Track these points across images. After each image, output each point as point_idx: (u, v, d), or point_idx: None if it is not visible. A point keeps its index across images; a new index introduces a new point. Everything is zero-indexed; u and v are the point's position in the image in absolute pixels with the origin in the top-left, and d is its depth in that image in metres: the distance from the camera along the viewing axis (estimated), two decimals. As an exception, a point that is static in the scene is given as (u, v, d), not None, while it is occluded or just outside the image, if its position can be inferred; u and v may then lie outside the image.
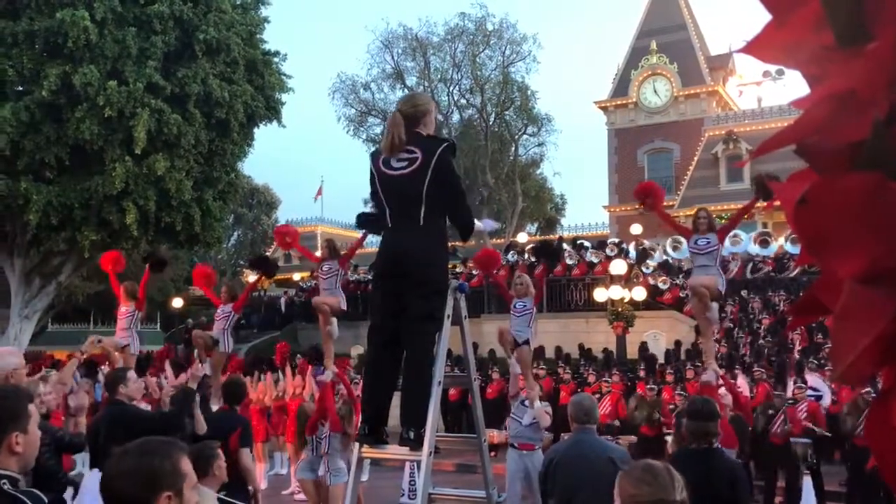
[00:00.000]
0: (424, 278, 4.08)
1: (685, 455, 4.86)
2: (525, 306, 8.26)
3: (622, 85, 38.44)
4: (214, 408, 8.05)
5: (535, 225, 47.70)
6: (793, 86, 36.07)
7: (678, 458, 5.06)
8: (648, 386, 13.22)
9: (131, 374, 5.93)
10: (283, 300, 34.68)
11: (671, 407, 12.41)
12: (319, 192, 46.78)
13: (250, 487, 6.27)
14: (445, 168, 4.07)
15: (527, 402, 8.23)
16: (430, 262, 4.13)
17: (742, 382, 12.99)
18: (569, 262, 22.82)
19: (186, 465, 2.02)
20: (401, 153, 4.07)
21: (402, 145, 4.05)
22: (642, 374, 15.31)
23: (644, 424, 12.32)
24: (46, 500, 2.46)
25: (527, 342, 8.19)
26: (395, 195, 4.11)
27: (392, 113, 4.21)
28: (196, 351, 10.98)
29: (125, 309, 9.68)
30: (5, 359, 4.44)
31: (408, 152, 4.05)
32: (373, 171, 4.20)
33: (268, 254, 10.13)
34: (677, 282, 21.70)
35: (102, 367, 11.73)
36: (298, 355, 23.51)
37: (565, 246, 24.32)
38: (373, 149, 4.67)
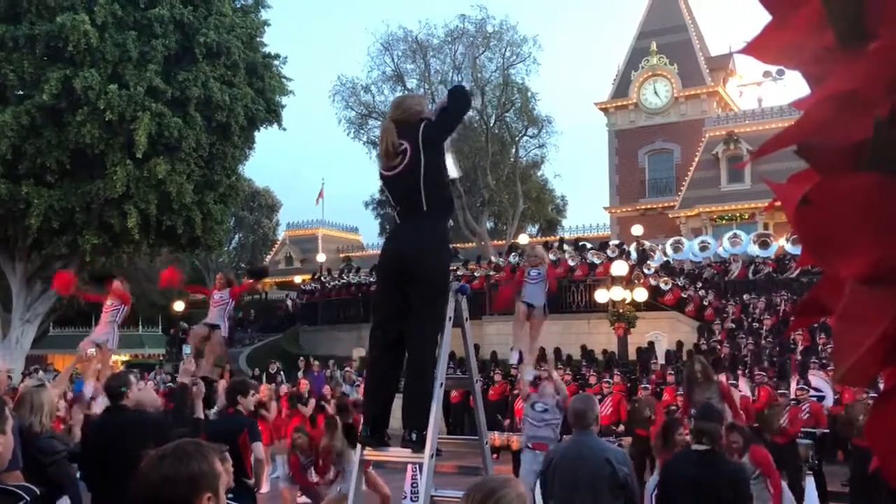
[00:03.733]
0: (427, 278, 4.09)
1: (687, 456, 4.86)
2: (539, 274, 8.34)
3: (622, 86, 38.43)
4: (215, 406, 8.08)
5: (537, 226, 47.70)
6: (793, 86, 36.08)
7: (682, 459, 5.05)
8: (642, 386, 13.29)
9: (133, 378, 5.91)
10: (288, 303, 34.77)
11: (673, 407, 12.38)
12: (320, 195, 46.81)
13: (251, 481, 6.27)
14: (432, 135, 4.13)
15: (538, 405, 8.20)
16: (433, 262, 4.14)
17: (743, 385, 12.97)
18: (570, 263, 22.82)
19: (219, 465, 2.09)
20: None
21: (397, 151, 4.11)
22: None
23: (639, 426, 12.32)
24: (38, 493, 2.49)
25: (543, 307, 8.23)
26: (398, 192, 4.20)
27: (384, 121, 4.28)
28: (190, 347, 11.09)
29: (111, 303, 9.65)
30: None
31: (399, 147, 4.14)
32: (381, 177, 4.33)
33: (264, 263, 10.50)
34: (678, 283, 21.69)
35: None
36: (300, 358, 23.52)
37: (566, 247, 24.32)
38: (374, 152, 4.74)
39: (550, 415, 8.32)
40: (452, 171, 4.47)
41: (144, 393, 6.44)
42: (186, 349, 19.83)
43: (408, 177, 4.09)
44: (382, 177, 4.24)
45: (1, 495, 2.40)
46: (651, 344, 18.93)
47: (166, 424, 5.57)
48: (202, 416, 6.14)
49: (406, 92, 37.35)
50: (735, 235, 26.03)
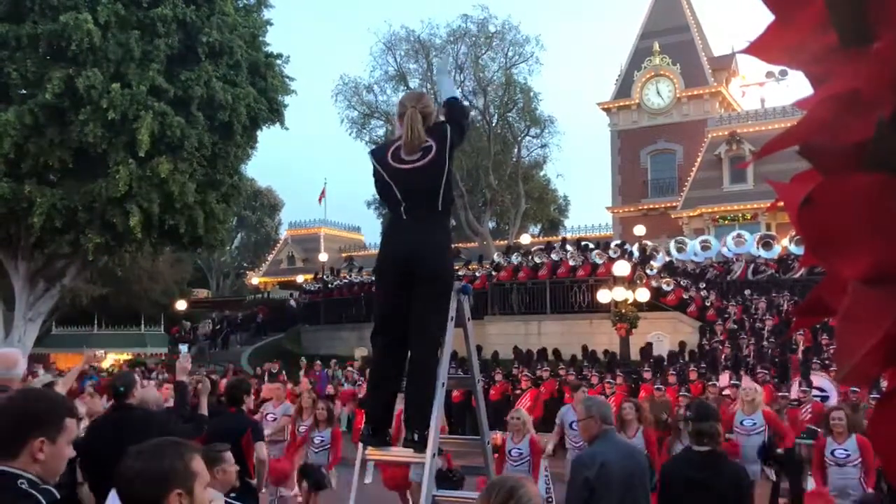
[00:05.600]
0: (436, 278, 4.06)
1: (690, 457, 4.85)
2: (521, 453, 6.88)
3: (625, 86, 38.41)
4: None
5: (539, 227, 47.69)
6: (796, 86, 36.07)
7: (684, 460, 5.05)
8: (655, 386, 13.05)
9: (137, 378, 5.94)
10: (291, 302, 34.84)
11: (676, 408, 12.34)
12: (323, 195, 46.83)
13: (254, 481, 6.27)
14: (457, 140, 4.15)
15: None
16: (442, 262, 4.12)
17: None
18: (572, 263, 22.81)
19: (198, 464, 2.11)
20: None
21: (422, 142, 4.05)
22: (647, 375, 15.25)
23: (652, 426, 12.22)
24: (59, 497, 2.46)
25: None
26: (412, 187, 4.05)
27: (408, 110, 4.10)
28: (187, 346, 11.08)
29: None
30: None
31: (425, 142, 4.06)
32: (378, 169, 4.12)
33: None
34: (681, 283, 21.68)
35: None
36: (302, 358, 23.53)
37: (568, 247, 24.33)
38: (371, 147, 4.65)
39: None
40: None
41: (148, 391, 6.47)
42: (184, 348, 19.85)
43: (430, 174, 4.01)
44: (391, 168, 4.06)
45: (20, 497, 2.36)
46: (649, 345, 18.90)
47: (170, 423, 5.57)
48: (205, 413, 6.14)
49: (408, 91, 37.26)
50: (739, 235, 26.02)
